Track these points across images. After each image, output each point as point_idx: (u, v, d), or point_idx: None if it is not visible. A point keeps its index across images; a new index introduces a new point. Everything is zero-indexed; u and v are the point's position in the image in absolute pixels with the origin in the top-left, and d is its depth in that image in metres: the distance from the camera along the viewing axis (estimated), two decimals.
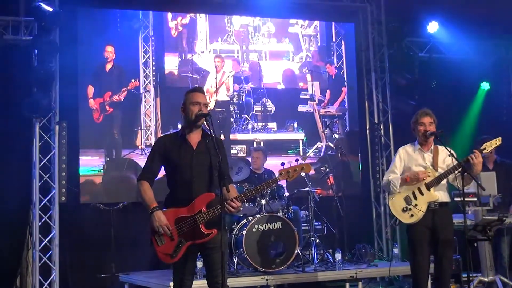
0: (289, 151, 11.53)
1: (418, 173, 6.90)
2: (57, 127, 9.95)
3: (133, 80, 10.81)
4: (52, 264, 9.69)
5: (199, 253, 5.85)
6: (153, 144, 6.03)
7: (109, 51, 10.69)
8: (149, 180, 5.73)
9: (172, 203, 5.65)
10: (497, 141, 6.91)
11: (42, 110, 9.79)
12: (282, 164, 9.13)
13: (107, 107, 10.60)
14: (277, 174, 5.88)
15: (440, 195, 6.94)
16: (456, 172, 6.77)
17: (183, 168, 5.63)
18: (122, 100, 10.71)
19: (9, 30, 9.94)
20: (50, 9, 9.54)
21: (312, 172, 10.88)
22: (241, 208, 5.68)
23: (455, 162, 6.75)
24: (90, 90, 10.55)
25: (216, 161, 5.48)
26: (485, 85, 12.86)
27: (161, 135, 10.33)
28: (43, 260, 9.64)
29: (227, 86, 11.44)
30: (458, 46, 12.57)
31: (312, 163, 10.63)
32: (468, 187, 7.04)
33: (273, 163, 10.36)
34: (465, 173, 6.64)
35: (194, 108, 5.66)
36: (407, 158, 7.08)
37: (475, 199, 9.19)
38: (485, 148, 6.83)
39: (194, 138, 5.73)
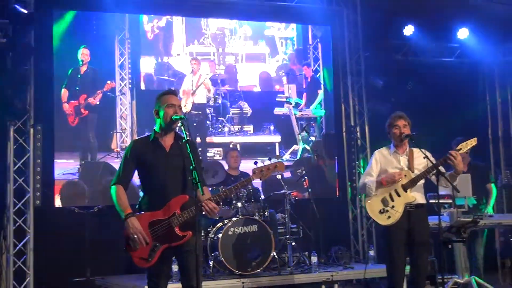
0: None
1: (393, 174, 6.93)
2: (32, 130, 9.86)
3: (108, 82, 10.76)
4: (26, 268, 9.60)
5: (174, 257, 5.83)
6: (125, 148, 5.98)
7: (85, 54, 10.63)
8: (123, 184, 5.69)
9: (146, 206, 5.63)
10: (472, 142, 6.93)
11: (17, 113, 9.72)
12: (255, 163, 9.14)
13: (82, 110, 10.55)
14: (251, 174, 5.87)
15: (417, 196, 6.97)
16: (432, 173, 6.81)
17: (157, 171, 5.62)
18: (98, 103, 10.65)
19: None
20: (25, 11, 9.48)
21: (288, 174, 10.91)
22: (217, 210, 5.63)
23: (431, 164, 6.78)
24: (65, 93, 10.49)
25: (190, 163, 5.45)
26: None
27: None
28: (17, 264, 9.56)
29: (207, 87, 11.41)
30: (434, 48, 12.67)
31: (288, 166, 10.63)
32: (455, 182, 7.05)
33: (249, 166, 10.34)
34: (440, 174, 6.69)
35: (169, 110, 5.63)
36: (383, 161, 7.11)
37: (450, 201, 9.24)
38: (460, 149, 6.85)
39: (167, 141, 5.71)
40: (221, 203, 9.08)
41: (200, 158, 7.38)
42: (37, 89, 9.97)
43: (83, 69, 10.65)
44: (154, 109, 5.76)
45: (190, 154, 5.47)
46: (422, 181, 6.99)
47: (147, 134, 5.95)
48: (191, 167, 5.41)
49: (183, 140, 5.60)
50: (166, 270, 5.79)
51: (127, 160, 5.75)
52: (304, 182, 10.27)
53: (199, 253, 5.45)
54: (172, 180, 5.60)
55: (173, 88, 10.71)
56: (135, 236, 5.47)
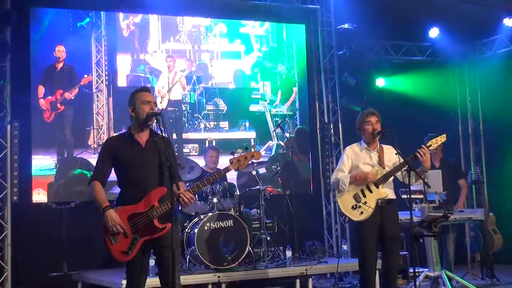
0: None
1: (368, 173, 6.97)
2: (9, 126, 9.82)
3: (85, 76, 10.74)
4: (4, 263, 9.57)
5: (151, 251, 5.84)
6: (102, 146, 5.98)
7: (61, 51, 10.59)
8: (100, 180, 5.70)
9: (124, 201, 5.63)
10: (442, 138, 7.04)
11: None
12: (232, 153, 9.15)
13: (58, 105, 10.52)
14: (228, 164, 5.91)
15: (388, 192, 7.04)
16: (403, 169, 6.87)
17: (134, 167, 5.63)
18: (73, 98, 10.63)
19: None
20: (2, 9, 9.43)
21: (263, 170, 10.94)
22: (193, 200, 5.66)
23: (402, 160, 6.84)
24: (41, 90, 10.47)
25: (165, 158, 5.49)
26: None
27: (114, 134, 10.33)
28: None
29: (182, 85, 11.42)
30: (406, 47, 12.78)
31: (263, 162, 10.66)
32: (419, 183, 7.14)
33: (225, 162, 10.33)
34: (412, 171, 6.76)
35: (145, 107, 5.64)
36: (355, 157, 7.16)
37: (421, 196, 9.33)
38: (431, 145, 6.95)
39: (143, 136, 5.73)
40: (197, 198, 9.10)
41: (176, 154, 7.39)
42: (14, 86, 9.94)
43: (59, 65, 10.61)
44: (129, 106, 5.76)
45: (166, 149, 5.52)
46: (392, 177, 7.06)
47: (123, 131, 5.96)
48: (167, 162, 5.46)
49: (158, 136, 5.65)
50: (145, 263, 5.79)
51: (104, 157, 5.77)
52: (279, 178, 10.36)
53: (176, 248, 5.46)
54: (149, 175, 5.62)
55: (148, 85, 10.78)
56: (114, 228, 5.48)
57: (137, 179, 5.62)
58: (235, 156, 5.89)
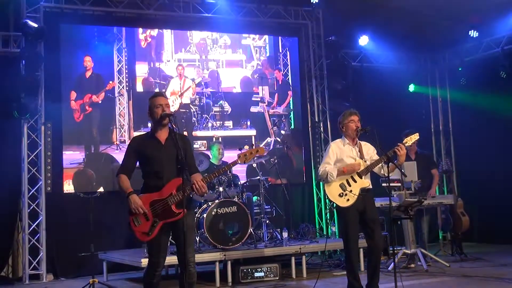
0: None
1: (354, 165, 6.92)
2: (43, 127, 9.89)
3: (110, 82, 10.79)
4: (39, 245, 9.65)
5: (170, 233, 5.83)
6: (128, 144, 5.99)
7: (88, 61, 10.62)
8: (126, 174, 5.73)
9: (147, 190, 5.67)
10: (415, 136, 7.05)
11: (30, 113, 9.69)
12: (240, 149, 9.17)
13: (87, 107, 10.56)
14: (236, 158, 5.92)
15: (369, 182, 7.00)
16: (382, 162, 6.83)
17: (155, 161, 5.67)
18: (100, 102, 10.64)
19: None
20: (36, 25, 9.44)
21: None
22: (205, 189, 5.65)
23: (382, 154, 6.80)
24: (73, 94, 10.50)
25: (181, 153, 5.53)
26: (411, 87, 13.12)
27: (134, 133, 10.47)
28: (32, 242, 9.58)
29: (193, 90, 11.40)
30: (385, 56, 12.75)
31: (263, 156, 10.63)
32: (392, 175, 7.10)
33: (230, 156, 10.33)
34: (390, 163, 6.73)
35: (158, 110, 5.71)
36: (339, 151, 7.08)
37: (399, 184, 9.31)
38: (406, 142, 6.92)
39: (162, 135, 5.76)
40: (206, 185, 9.06)
41: (193, 149, 7.36)
42: (47, 91, 10.03)
43: (88, 74, 10.64)
44: (147, 112, 5.84)
45: (181, 146, 5.55)
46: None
47: (142, 129, 5.95)
48: (179, 157, 5.50)
49: (175, 134, 5.66)
50: (164, 244, 5.78)
51: (129, 153, 5.82)
52: (277, 169, 10.35)
53: (187, 230, 5.51)
54: (168, 168, 5.65)
55: (163, 90, 10.91)
56: (136, 209, 5.51)
57: (157, 171, 5.65)
58: (242, 151, 5.91)
